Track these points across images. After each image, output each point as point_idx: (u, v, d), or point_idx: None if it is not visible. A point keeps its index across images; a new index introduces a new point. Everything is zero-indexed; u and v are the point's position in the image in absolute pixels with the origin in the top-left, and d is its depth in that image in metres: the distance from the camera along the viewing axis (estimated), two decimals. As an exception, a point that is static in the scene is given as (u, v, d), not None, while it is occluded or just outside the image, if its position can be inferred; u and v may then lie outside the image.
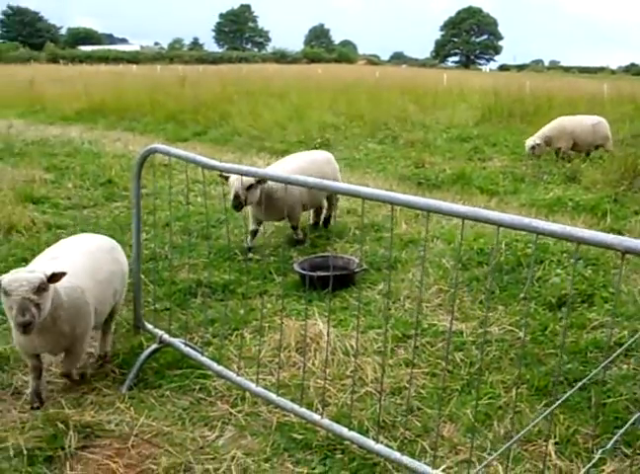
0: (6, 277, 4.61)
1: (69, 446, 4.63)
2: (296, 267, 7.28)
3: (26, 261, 8.13)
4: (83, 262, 5.44)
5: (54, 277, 4.71)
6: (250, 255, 8.14)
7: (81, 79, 32.17)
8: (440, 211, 3.82)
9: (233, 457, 4.54)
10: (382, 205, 10.09)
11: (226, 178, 7.94)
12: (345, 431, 4.41)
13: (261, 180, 7.78)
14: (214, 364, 5.19)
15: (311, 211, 9.32)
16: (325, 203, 9.37)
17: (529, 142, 14.14)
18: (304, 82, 29.92)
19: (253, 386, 4.90)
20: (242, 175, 4.96)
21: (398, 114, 19.58)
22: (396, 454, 4.18)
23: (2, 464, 4.46)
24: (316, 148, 15.11)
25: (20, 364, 5.68)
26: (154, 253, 7.81)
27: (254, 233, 8.68)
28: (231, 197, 7.86)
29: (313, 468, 4.44)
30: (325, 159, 9.34)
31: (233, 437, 4.80)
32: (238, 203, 7.83)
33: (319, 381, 5.29)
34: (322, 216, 9.50)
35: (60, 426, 4.81)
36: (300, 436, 4.73)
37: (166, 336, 5.57)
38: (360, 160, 14.55)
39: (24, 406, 5.14)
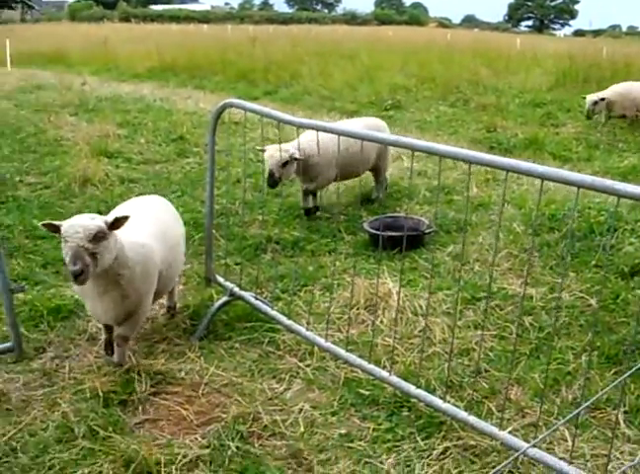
0: (66, 223, 4.33)
1: (142, 392, 4.77)
2: (366, 226, 7.27)
3: (100, 213, 8.32)
4: (153, 223, 5.19)
5: (117, 223, 4.37)
6: (318, 213, 8.14)
7: (153, 38, 32.37)
8: (519, 171, 3.77)
9: (301, 410, 4.60)
10: (454, 168, 10.00)
11: (264, 151, 7.61)
12: (412, 388, 4.42)
13: (297, 158, 7.46)
14: (284, 318, 5.24)
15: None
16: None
17: (591, 97, 13.48)
18: (375, 44, 29.61)
19: (322, 341, 4.94)
20: (318, 130, 4.91)
21: (470, 77, 19.25)
22: (463, 414, 4.19)
23: (79, 405, 4.61)
24: (387, 110, 15.04)
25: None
26: (225, 208, 7.89)
27: (307, 193, 8.34)
28: (266, 174, 7.49)
29: (380, 424, 4.48)
30: (375, 126, 8.74)
31: (301, 391, 4.86)
32: (273, 181, 7.47)
33: (387, 339, 5.30)
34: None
35: (133, 373, 4.95)
36: (367, 392, 4.77)
37: (236, 289, 5.64)
38: (430, 123, 14.39)
39: (99, 352, 5.28)
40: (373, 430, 4.42)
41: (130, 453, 4.08)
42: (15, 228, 7.85)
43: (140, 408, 4.63)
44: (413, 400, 4.58)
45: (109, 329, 5.11)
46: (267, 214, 7.99)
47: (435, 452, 4.18)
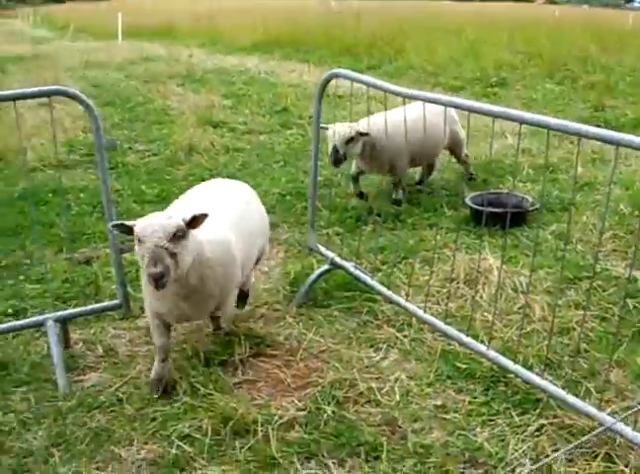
0: (140, 223, 3.99)
1: (241, 354, 4.90)
2: (469, 201, 7.20)
3: (205, 179, 8.54)
4: (228, 214, 4.81)
5: (195, 221, 4.07)
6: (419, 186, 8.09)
7: (258, 11, 32.66)
8: (631, 146, 3.67)
9: (397, 379, 4.64)
10: (558, 146, 9.79)
11: (326, 129, 7.22)
12: (510, 364, 4.39)
13: (362, 133, 7.11)
14: (383, 289, 5.27)
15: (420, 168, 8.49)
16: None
17: None
18: (481, 19, 29.05)
19: (420, 312, 4.95)
20: (427, 101, 4.88)
21: (578, 54, 18.69)
22: (561, 392, 4.12)
23: (182, 362, 4.78)
24: (492, 86, 14.79)
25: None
26: (328, 180, 7.96)
27: (355, 178, 7.91)
28: (329, 151, 7.17)
29: (475, 397, 4.47)
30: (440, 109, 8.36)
31: (397, 361, 4.90)
32: (336, 159, 7.13)
33: (486, 314, 5.27)
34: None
35: (233, 335, 5.09)
36: (464, 366, 4.76)
37: (337, 258, 5.69)
38: (536, 101, 14.06)
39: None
40: (468, 402, 4.42)
41: (229, 411, 4.21)
42: (124, 192, 8.14)
43: (240, 369, 4.77)
44: (509, 376, 4.55)
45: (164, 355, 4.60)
46: (368, 187, 8.01)
47: (530, 429, 4.15)
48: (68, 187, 8.32)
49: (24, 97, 4.84)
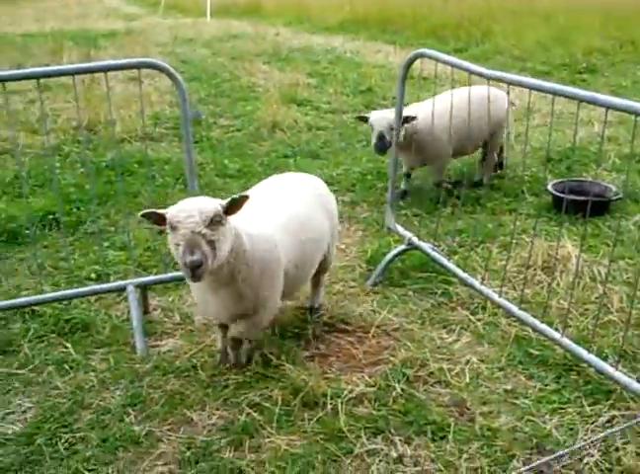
0: (172, 209, 3.73)
1: (314, 328, 4.98)
2: (550, 188, 7.10)
3: (287, 157, 8.65)
4: (286, 212, 4.53)
5: (233, 206, 3.81)
6: (499, 171, 7.97)
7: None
8: None
9: (468, 361, 4.65)
10: (648, 136, 9.51)
11: (365, 120, 7.14)
12: (584, 353, 4.34)
13: (407, 118, 6.73)
14: (460, 271, 5.27)
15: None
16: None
17: None
18: (571, 3, 28.34)
19: (495, 296, 4.93)
20: (511, 84, 4.81)
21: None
22: (636, 385, 4.06)
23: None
24: (580, 73, 14.45)
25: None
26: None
27: (408, 175, 7.63)
28: (374, 137, 6.94)
29: (546, 384, 4.44)
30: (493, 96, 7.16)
31: (470, 343, 4.90)
32: (383, 145, 6.87)
33: (562, 302, 5.22)
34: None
35: (307, 311, 5.18)
36: (537, 352, 4.73)
37: (415, 239, 5.71)
38: (626, 88, 13.66)
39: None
40: (539, 389, 4.40)
41: (300, 383, 4.30)
42: (207, 166, 8.30)
43: (312, 343, 4.85)
44: (582, 365, 4.50)
45: (224, 332, 4.63)
46: (449, 170, 7.97)
47: (600, 420, 4.11)
48: (153, 158, 8.52)
49: (115, 68, 4.99)
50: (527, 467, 3.69)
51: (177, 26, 23.20)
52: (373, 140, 6.93)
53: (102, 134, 9.59)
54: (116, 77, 12.40)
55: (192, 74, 14.10)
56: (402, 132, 6.64)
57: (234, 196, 3.81)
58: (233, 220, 3.89)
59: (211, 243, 3.69)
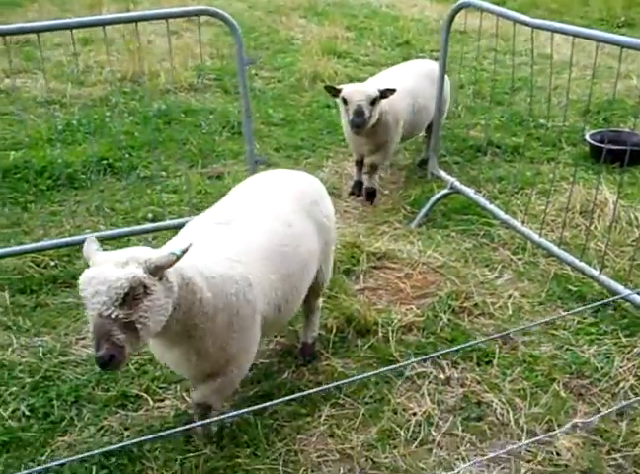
0: (84, 276, 2.78)
1: (363, 264, 5.26)
2: (588, 138, 7.27)
3: (328, 106, 8.86)
4: (267, 234, 3.63)
5: (161, 266, 2.84)
6: (542, 121, 8.11)
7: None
8: None
9: (510, 296, 4.92)
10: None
11: (334, 91, 6.11)
12: (620, 288, 4.58)
13: (387, 91, 5.99)
14: (501, 213, 5.50)
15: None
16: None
17: None
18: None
19: (536, 237, 5.17)
20: (554, 31, 4.93)
21: None
22: (670, 318, 4.32)
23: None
24: (618, 27, 14.40)
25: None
26: (449, 110, 8.13)
27: (361, 163, 6.68)
28: (349, 113, 5.93)
29: (584, 318, 4.70)
30: (431, 70, 6.92)
31: (511, 280, 5.16)
32: (362, 121, 5.91)
33: (600, 244, 5.44)
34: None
35: (355, 248, 5.44)
36: (575, 289, 4.99)
37: (457, 183, 5.94)
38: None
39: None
40: (577, 322, 4.66)
41: (353, 312, 4.60)
42: (251, 115, 8.51)
43: (362, 278, 5.15)
44: (619, 300, 4.75)
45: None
46: (488, 120, 8.15)
47: (636, 350, 4.38)
48: (198, 108, 8.76)
49: (175, 16, 5.25)
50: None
51: (213, -21, 23.23)
52: (349, 116, 5.93)
53: (146, 85, 9.83)
54: (155, 31, 12.59)
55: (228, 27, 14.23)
56: (378, 109, 6.07)
57: (175, 251, 2.86)
58: (184, 261, 2.95)
59: (129, 325, 2.78)
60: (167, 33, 5.34)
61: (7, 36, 5.07)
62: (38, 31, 4.91)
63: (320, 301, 4.40)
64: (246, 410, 3.17)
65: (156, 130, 8.05)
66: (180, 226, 5.46)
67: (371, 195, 6.41)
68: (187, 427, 2.96)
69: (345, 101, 5.99)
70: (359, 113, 5.88)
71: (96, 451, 2.84)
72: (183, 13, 5.32)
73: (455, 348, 4.21)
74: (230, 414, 3.06)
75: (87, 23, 5.16)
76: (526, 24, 5.10)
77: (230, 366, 3.46)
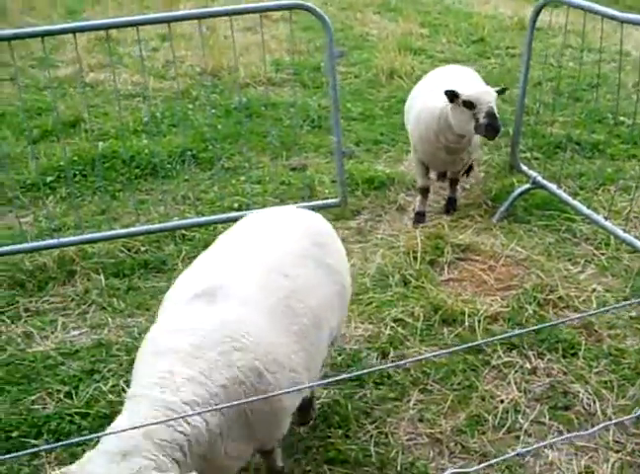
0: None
1: (447, 255, 5.35)
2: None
3: (403, 102, 8.93)
4: (260, 306, 3.00)
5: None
6: (622, 118, 8.06)
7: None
8: None
9: (594, 290, 4.96)
10: None
11: (453, 96, 5.44)
12: None
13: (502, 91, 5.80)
14: (584, 208, 5.53)
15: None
16: None
17: None
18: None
19: (620, 232, 5.18)
20: None
21: None
22: None
23: (393, 258, 5.29)
24: None
25: (403, 187, 6.51)
26: (527, 107, 8.13)
27: (427, 191, 6.16)
28: (482, 117, 5.31)
29: (670, 313, 4.73)
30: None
31: (594, 275, 5.20)
32: (499, 125, 5.41)
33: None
34: None
35: (440, 240, 5.54)
36: (660, 284, 5.01)
37: (539, 178, 5.97)
38: None
39: (410, 221, 5.94)
40: (663, 317, 4.69)
41: (439, 301, 4.71)
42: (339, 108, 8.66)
43: (446, 268, 5.25)
44: None
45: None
46: (567, 116, 8.13)
47: None
48: (278, 102, 8.93)
49: (269, 10, 5.43)
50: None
51: (284, -23, 23.44)
52: (479, 121, 5.32)
53: (225, 79, 10.04)
54: (233, 27, 12.83)
55: (304, 23, 14.41)
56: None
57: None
58: (185, 426, 2.55)
59: None
60: (260, 26, 5.54)
61: (86, 32, 5.28)
62: (122, 26, 5.16)
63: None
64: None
65: (237, 123, 8.24)
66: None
67: (454, 204, 6.21)
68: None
69: (470, 105, 5.36)
70: (494, 115, 5.32)
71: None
72: (277, 7, 5.50)
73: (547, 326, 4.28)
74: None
75: (178, 17, 5.36)
76: (614, 18, 5.09)
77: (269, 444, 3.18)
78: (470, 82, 5.93)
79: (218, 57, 10.58)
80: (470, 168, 6.55)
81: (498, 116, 5.39)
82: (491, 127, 5.30)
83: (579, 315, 4.53)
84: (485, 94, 5.45)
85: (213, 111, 8.59)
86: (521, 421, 3.89)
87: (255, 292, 3.00)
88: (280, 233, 3.42)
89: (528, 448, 2.34)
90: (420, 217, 5.97)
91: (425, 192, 6.06)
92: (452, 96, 5.44)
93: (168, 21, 5.19)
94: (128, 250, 5.71)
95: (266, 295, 3.02)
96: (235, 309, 2.89)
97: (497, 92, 5.56)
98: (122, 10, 14.86)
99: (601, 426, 2.89)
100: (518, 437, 3.79)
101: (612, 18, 5.11)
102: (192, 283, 3.06)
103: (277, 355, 2.89)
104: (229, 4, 15.29)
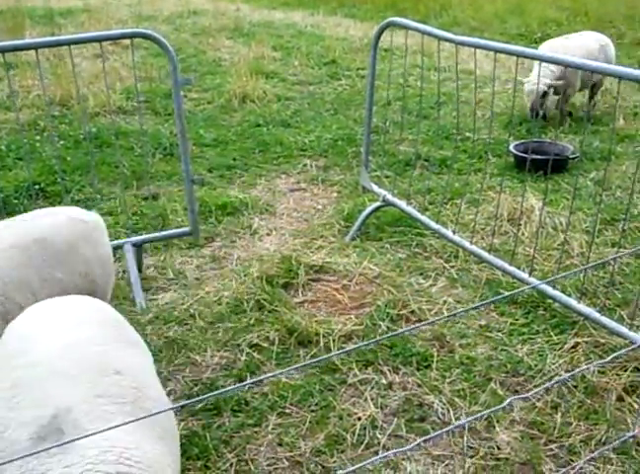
0: None
1: (301, 277, 5.37)
2: (512, 149, 7.54)
3: (259, 125, 8.98)
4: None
5: None
6: (468, 134, 8.39)
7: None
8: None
9: (445, 302, 5.09)
10: (601, 100, 10.02)
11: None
12: (549, 289, 4.81)
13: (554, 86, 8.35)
14: (433, 223, 5.69)
15: None
16: None
17: None
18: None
19: (467, 244, 5.37)
20: (478, 48, 5.15)
21: (626, 11, 18.66)
22: (596, 314, 4.55)
23: (247, 284, 5.27)
24: (536, 42, 14.91)
25: (257, 211, 6.51)
26: (377, 127, 8.32)
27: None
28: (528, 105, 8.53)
29: (516, 319, 4.92)
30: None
31: (445, 287, 5.34)
32: (536, 114, 8.49)
33: (528, 249, 5.67)
34: None
35: (293, 262, 5.55)
36: (507, 292, 5.17)
37: (389, 196, 6.11)
38: (580, 57, 14.22)
39: (264, 244, 5.94)
40: (510, 324, 4.87)
41: (294, 324, 4.71)
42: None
43: (300, 290, 5.26)
44: (548, 301, 4.99)
45: None
46: (415, 134, 8.37)
47: (566, 346, 4.60)
48: (129, 130, 8.78)
49: (109, 39, 5.34)
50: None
51: (133, 2, 23.18)
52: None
53: (75, 109, 9.79)
54: (81, 54, 12.56)
55: (156, 50, 14.27)
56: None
57: None
58: None
59: None
60: (102, 54, 5.45)
61: None
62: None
63: None
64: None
65: (87, 154, 8.04)
66: (118, 247, 5.56)
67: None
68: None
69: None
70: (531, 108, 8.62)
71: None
72: (118, 36, 5.41)
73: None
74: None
75: (18, 46, 5.17)
76: (451, 41, 5.32)
77: None
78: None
79: (67, 86, 10.30)
80: None
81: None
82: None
83: (425, 322, 4.63)
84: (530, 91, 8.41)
85: (62, 142, 8.36)
86: (379, 436, 3.93)
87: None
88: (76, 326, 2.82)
89: (381, 456, 2.36)
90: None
91: None
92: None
93: (3, 50, 4.98)
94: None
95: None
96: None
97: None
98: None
99: (446, 429, 2.95)
100: (377, 453, 3.81)
101: (449, 40, 5.34)
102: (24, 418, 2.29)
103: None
104: (78, 31, 15.08)
